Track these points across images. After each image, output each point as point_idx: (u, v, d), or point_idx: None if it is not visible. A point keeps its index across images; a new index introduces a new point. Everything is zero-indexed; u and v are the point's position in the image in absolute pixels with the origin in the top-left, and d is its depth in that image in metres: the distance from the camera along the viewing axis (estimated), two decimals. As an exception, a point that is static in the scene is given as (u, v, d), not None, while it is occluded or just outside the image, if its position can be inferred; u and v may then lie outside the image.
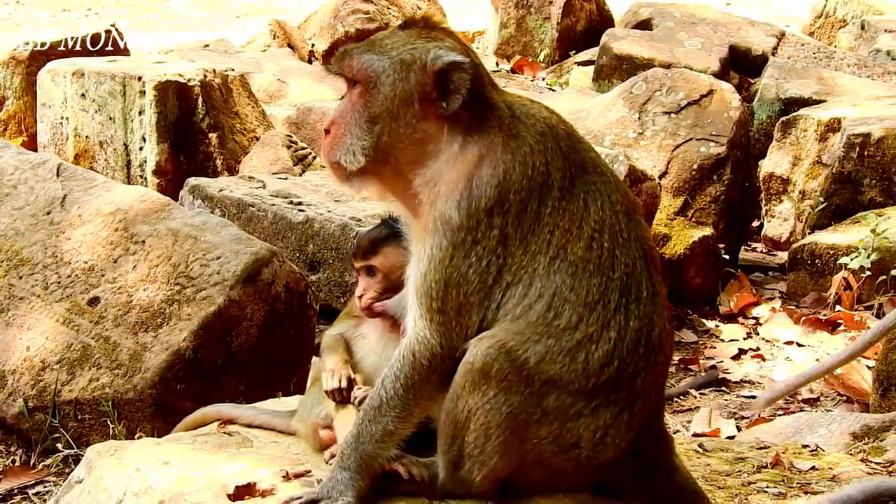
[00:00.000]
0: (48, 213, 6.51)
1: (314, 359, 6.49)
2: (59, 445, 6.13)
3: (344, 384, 4.17)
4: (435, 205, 3.86)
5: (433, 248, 3.84)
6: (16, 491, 6.04)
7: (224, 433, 4.46)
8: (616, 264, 3.91)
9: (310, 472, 4.13)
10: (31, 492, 6.04)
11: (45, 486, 6.04)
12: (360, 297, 4.25)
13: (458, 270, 3.84)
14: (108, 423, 6.03)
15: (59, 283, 6.33)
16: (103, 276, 6.30)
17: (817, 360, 8.01)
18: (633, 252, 3.95)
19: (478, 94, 3.90)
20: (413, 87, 3.88)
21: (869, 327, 8.26)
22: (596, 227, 3.90)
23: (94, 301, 6.27)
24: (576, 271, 3.86)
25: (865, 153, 9.44)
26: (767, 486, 5.24)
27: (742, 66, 11.86)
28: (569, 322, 3.85)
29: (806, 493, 5.12)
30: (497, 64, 13.63)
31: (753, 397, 7.70)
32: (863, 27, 13.53)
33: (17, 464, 6.23)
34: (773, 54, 11.88)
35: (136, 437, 5.76)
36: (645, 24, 12.46)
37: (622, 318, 3.90)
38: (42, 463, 6.16)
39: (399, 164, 3.94)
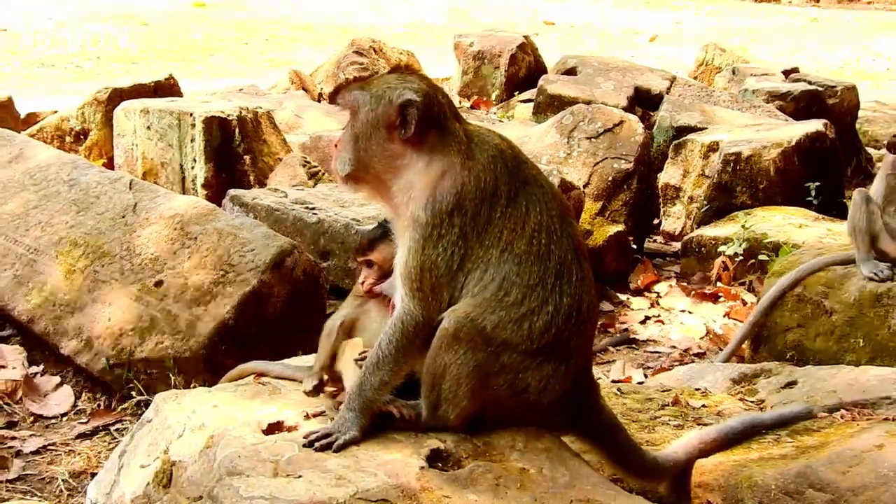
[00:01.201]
0: (123, 217, 6.47)
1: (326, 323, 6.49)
2: (134, 393, 6.11)
3: (316, 382, 4.34)
4: (409, 207, 3.90)
5: (410, 241, 3.88)
6: (101, 428, 6.01)
7: (259, 383, 4.43)
8: (551, 255, 3.93)
9: (325, 412, 4.12)
10: (112, 429, 6.01)
11: (122, 424, 6.01)
12: (363, 283, 4.30)
13: (429, 258, 3.87)
14: (170, 376, 6.02)
15: (132, 269, 6.30)
16: (166, 264, 6.28)
17: (724, 323, 8.01)
18: (564, 246, 3.97)
19: (440, 123, 3.96)
20: (380, 116, 3.95)
21: (742, 299, 8.27)
22: (535, 228, 3.93)
23: (159, 283, 6.23)
24: (520, 261, 3.89)
25: (737, 167, 9.43)
26: (669, 420, 5.21)
27: (644, 102, 11.83)
28: (516, 299, 3.88)
29: (698, 424, 5.09)
30: (460, 102, 13.61)
31: (657, 352, 7.69)
32: (734, 72, 13.54)
33: (102, 407, 6.19)
34: (668, 93, 11.86)
35: (192, 386, 5.73)
36: (571, 71, 12.43)
37: (557, 296, 3.93)
38: (120, 407, 6.13)
39: (378, 174, 3.99)
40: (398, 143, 3.98)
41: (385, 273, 4.21)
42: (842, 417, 5.24)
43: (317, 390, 4.30)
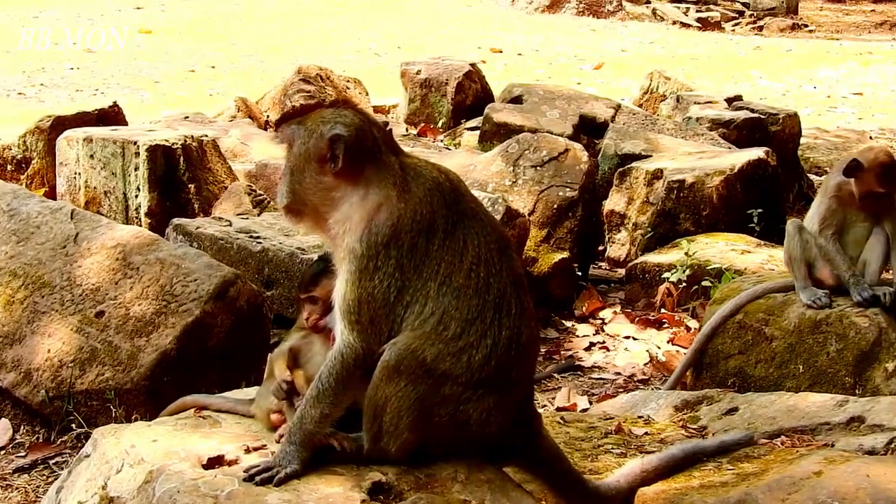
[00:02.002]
0: (64, 247, 6.42)
1: (269, 356, 6.45)
2: (74, 426, 6.05)
3: (284, 386, 4.23)
4: (345, 239, 3.91)
5: (347, 273, 3.88)
6: (39, 461, 5.95)
7: (199, 417, 4.40)
8: (490, 289, 3.93)
9: (266, 446, 4.11)
10: (51, 462, 5.95)
11: (62, 457, 5.95)
12: (307, 319, 4.28)
13: (366, 290, 3.86)
14: (111, 408, 5.96)
15: (72, 300, 6.24)
16: (107, 294, 6.22)
17: (658, 349, 8.03)
18: (503, 279, 3.97)
19: (374, 156, 3.98)
20: (311, 149, 3.98)
21: (686, 325, 8.31)
22: (473, 261, 3.93)
23: (100, 314, 6.18)
24: (459, 294, 3.89)
25: (681, 194, 9.49)
26: (612, 448, 5.23)
27: (589, 130, 11.88)
28: (455, 333, 3.88)
29: (641, 452, 5.11)
30: (407, 129, 13.63)
31: (602, 379, 7.70)
32: (678, 100, 13.62)
33: (40, 441, 6.13)
34: (612, 121, 11.92)
35: (133, 418, 5.70)
36: (517, 100, 12.46)
37: (497, 330, 3.93)
38: (60, 439, 6.07)
39: (315, 206, 4.01)
40: (331, 177, 4.00)
41: (329, 307, 4.18)
42: (782, 444, 5.28)
43: (287, 395, 4.24)
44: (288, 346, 4.35)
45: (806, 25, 31.83)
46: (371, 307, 3.90)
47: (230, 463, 3.97)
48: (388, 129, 4.25)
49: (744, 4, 34.07)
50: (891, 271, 6.68)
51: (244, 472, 3.89)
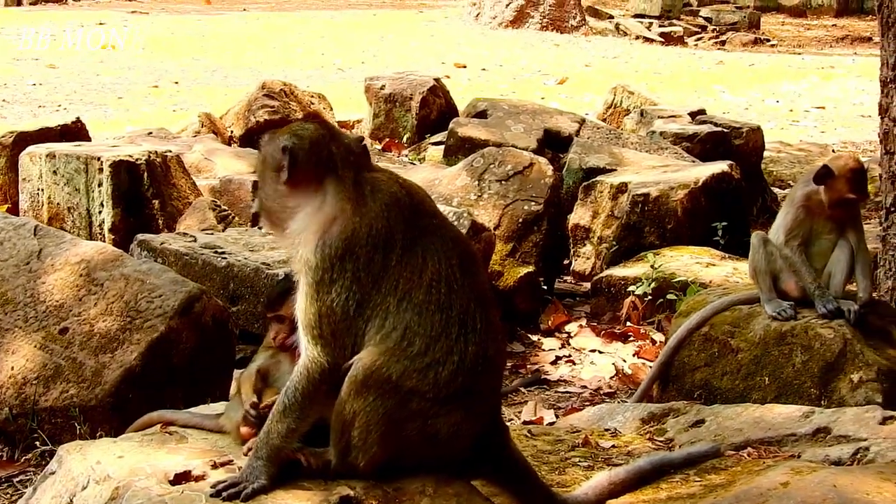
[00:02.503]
0: (27, 264, 6.37)
1: (236, 372, 6.44)
2: (38, 443, 5.99)
3: (252, 412, 4.23)
4: (300, 250, 3.93)
5: (304, 286, 3.90)
6: (3, 479, 5.89)
7: (166, 433, 4.38)
8: (453, 306, 3.93)
9: (232, 461, 4.09)
10: (15, 480, 5.87)
11: (26, 475, 5.88)
12: (274, 337, 4.29)
13: (324, 304, 3.87)
14: (76, 425, 5.91)
15: (36, 317, 6.19)
16: (71, 311, 6.18)
17: (624, 362, 8.05)
18: (466, 296, 3.97)
19: (332, 169, 4.01)
20: (269, 160, 4.03)
21: (651, 338, 8.33)
22: (434, 278, 3.93)
23: (63, 331, 6.14)
24: (420, 311, 3.89)
25: (646, 208, 9.52)
26: (579, 461, 5.24)
27: (554, 144, 11.90)
28: (420, 349, 3.88)
29: (608, 465, 5.12)
30: (371, 144, 13.61)
31: (568, 392, 7.72)
32: (642, 114, 13.67)
33: (4, 458, 6.08)
34: (577, 135, 11.94)
35: (98, 435, 5.65)
36: (482, 114, 12.46)
37: (463, 345, 3.93)
38: (24, 458, 6.00)
39: (276, 215, 4.06)
40: (284, 186, 4.03)
41: (295, 325, 4.18)
42: (748, 455, 5.31)
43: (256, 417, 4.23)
44: (256, 366, 4.35)
45: (768, 40, 32.03)
46: (331, 320, 3.91)
47: (197, 479, 3.95)
48: (362, 143, 4.23)
49: (706, 19, 34.28)
50: (855, 283, 6.72)
51: (211, 487, 3.88)
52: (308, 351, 3.96)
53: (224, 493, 3.84)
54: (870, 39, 32.10)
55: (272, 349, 4.36)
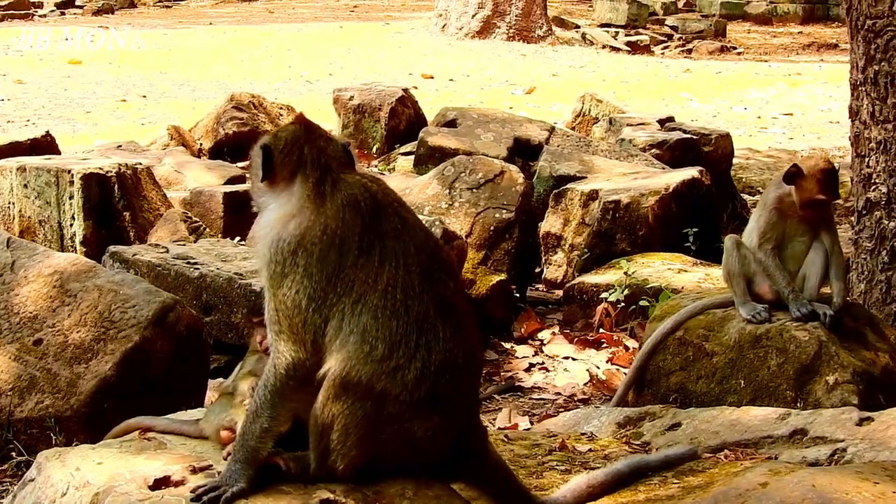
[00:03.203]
0: (0, 276, 6.36)
1: (211, 382, 6.45)
2: (14, 454, 5.99)
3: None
4: (259, 244, 4.02)
5: (264, 281, 3.98)
6: (-22, 491, 5.90)
7: (144, 439, 4.38)
8: (409, 312, 3.94)
9: (211, 466, 4.10)
10: (-9, 490, 5.90)
11: (2, 486, 5.87)
12: (260, 342, 4.32)
13: (279, 299, 3.92)
14: (52, 435, 5.91)
15: (10, 329, 6.19)
16: (45, 322, 6.18)
17: (598, 368, 8.07)
18: (424, 303, 3.97)
19: (303, 169, 4.07)
20: (254, 160, 4.11)
21: (624, 344, 8.35)
22: (389, 282, 3.94)
23: (38, 342, 6.14)
24: (376, 315, 3.91)
25: (616, 215, 9.55)
26: (556, 465, 5.25)
27: (524, 152, 11.90)
28: (383, 354, 3.90)
29: (585, 469, 5.13)
30: (341, 155, 13.56)
31: (542, 399, 7.73)
32: (611, 122, 13.70)
33: (-21, 470, 6.08)
34: (547, 143, 11.96)
35: (74, 446, 5.63)
36: (451, 123, 12.48)
37: (425, 352, 3.94)
38: (-1, 469, 6.03)
39: (254, 202, 4.20)
40: (264, 186, 4.13)
41: None
42: (725, 457, 5.33)
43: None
44: (247, 370, 4.37)
45: (734, 48, 32.16)
46: (288, 314, 3.94)
47: (177, 484, 3.95)
48: (345, 147, 4.28)
49: (672, 28, 34.39)
50: (829, 286, 6.75)
51: (191, 492, 3.88)
52: (273, 347, 4.00)
53: (204, 498, 3.84)
54: (836, 46, 32.31)
55: (258, 353, 4.38)
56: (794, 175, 6.60)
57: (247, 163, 4.28)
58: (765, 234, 6.73)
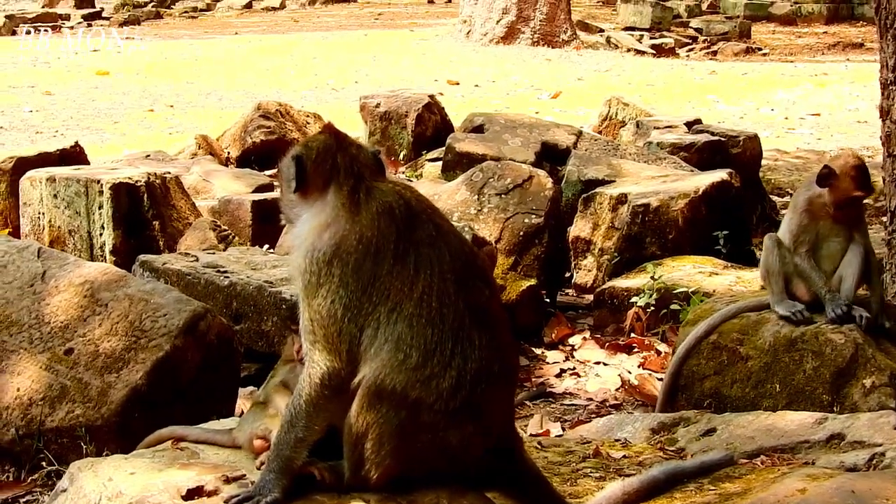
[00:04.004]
0: (31, 286, 6.34)
1: (242, 390, 6.42)
2: (44, 464, 5.96)
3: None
4: (294, 255, 3.99)
5: (299, 292, 3.93)
6: (10, 500, 5.86)
7: (177, 448, 4.36)
8: (444, 320, 3.89)
9: (245, 476, 4.07)
10: (21, 500, 5.85)
11: (32, 496, 5.85)
12: (297, 350, 4.28)
13: (314, 309, 3.88)
14: (82, 445, 5.88)
15: (41, 338, 6.16)
16: (76, 331, 6.15)
17: (629, 372, 8.02)
18: (459, 311, 3.93)
19: (336, 178, 4.04)
20: (284, 171, 4.07)
21: (656, 349, 8.29)
22: (425, 290, 3.90)
23: (69, 351, 6.11)
24: (411, 323, 3.86)
25: (646, 219, 9.48)
26: (591, 472, 5.21)
27: (552, 157, 11.84)
28: (417, 363, 3.85)
29: (620, 475, 5.08)
30: (369, 162, 13.52)
31: (574, 405, 7.68)
32: (638, 126, 13.63)
33: (11, 479, 6.05)
34: (575, 147, 11.90)
35: (104, 455, 5.61)
36: (478, 129, 12.43)
37: (461, 361, 3.89)
38: (30, 478, 5.97)
39: (285, 215, 4.17)
40: (296, 196, 4.10)
41: None
42: (762, 463, 5.27)
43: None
44: (279, 380, 4.35)
45: (760, 49, 32.04)
46: (321, 324, 3.91)
47: (210, 494, 3.93)
48: (376, 154, 4.25)
49: (696, 30, 34.29)
50: (866, 288, 6.67)
51: (224, 502, 3.86)
52: (308, 357, 3.97)
53: (238, 508, 3.82)
54: (861, 45, 32.15)
55: (291, 362, 4.35)
56: (826, 176, 6.53)
57: (274, 171, 4.26)
58: (798, 237, 6.65)
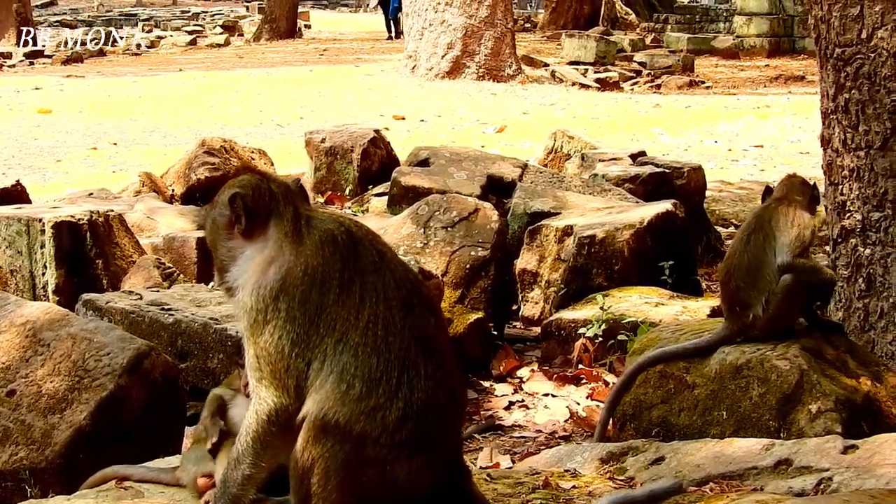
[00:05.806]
0: (-28, 327, 6.28)
1: (188, 429, 6.36)
2: (-12, 508, 5.91)
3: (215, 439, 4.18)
4: (239, 294, 3.92)
5: (244, 330, 3.88)
6: (-48, 545, 5.81)
7: (121, 488, 4.31)
8: (391, 349, 3.85)
9: (191, 514, 4.01)
10: (-37, 546, 5.81)
11: (-23, 540, 5.82)
12: (244, 386, 4.26)
13: (259, 346, 3.84)
14: (26, 487, 5.81)
15: (-18, 380, 6.11)
16: (18, 372, 6.09)
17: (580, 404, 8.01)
18: (405, 339, 3.89)
19: (273, 211, 3.98)
20: (218, 220, 4.02)
21: (604, 379, 8.29)
22: (371, 319, 3.86)
23: (11, 393, 6.04)
24: (356, 353, 3.83)
25: (592, 250, 9.50)
26: (541, 503, 5.18)
27: (498, 189, 11.87)
28: (361, 393, 3.81)
29: (570, 505, 5.07)
30: (314, 198, 13.54)
31: (523, 437, 7.66)
32: (583, 158, 13.69)
33: (-49, 525, 5.99)
34: (520, 180, 11.93)
35: (49, 497, 5.55)
36: (424, 163, 12.45)
37: (407, 391, 3.85)
38: (-28, 523, 5.93)
39: (234, 272, 4.01)
40: (238, 238, 4.05)
41: None
42: (711, 490, 5.27)
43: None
44: (219, 393, 4.33)
45: (703, 82, 32.34)
46: (269, 361, 3.88)
47: (155, 534, 3.89)
48: (298, 184, 4.23)
49: (640, 64, 34.57)
50: None
51: (170, 542, 3.81)
52: (254, 394, 3.93)
53: (184, 548, 3.78)
54: (803, 78, 32.53)
55: (234, 389, 4.33)
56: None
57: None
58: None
